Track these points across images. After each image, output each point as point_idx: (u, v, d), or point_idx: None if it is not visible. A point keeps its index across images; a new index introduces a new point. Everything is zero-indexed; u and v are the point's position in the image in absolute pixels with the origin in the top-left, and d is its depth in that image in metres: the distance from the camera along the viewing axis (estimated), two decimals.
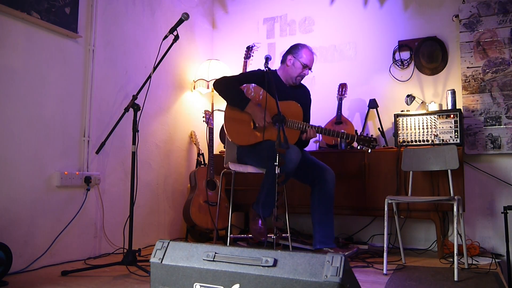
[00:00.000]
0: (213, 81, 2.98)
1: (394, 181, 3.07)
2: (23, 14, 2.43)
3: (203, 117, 3.62)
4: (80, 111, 2.84)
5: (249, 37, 4.17)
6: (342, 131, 2.76)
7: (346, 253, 2.74)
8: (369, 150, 2.74)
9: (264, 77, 2.82)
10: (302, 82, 3.03)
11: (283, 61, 2.93)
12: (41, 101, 2.58)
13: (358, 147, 2.83)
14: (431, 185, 2.98)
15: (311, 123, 2.94)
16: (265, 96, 2.74)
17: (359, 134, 3.44)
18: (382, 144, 3.46)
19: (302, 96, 2.97)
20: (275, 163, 2.22)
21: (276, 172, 2.21)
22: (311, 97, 3.09)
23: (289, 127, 2.74)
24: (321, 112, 3.60)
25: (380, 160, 3.14)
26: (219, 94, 2.83)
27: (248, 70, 3.66)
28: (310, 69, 2.89)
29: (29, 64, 2.52)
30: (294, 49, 2.90)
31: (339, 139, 3.34)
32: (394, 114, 3.21)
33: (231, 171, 2.72)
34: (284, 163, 2.69)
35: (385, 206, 2.49)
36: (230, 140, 2.76)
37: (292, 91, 2.92)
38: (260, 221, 2.57)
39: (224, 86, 2.79)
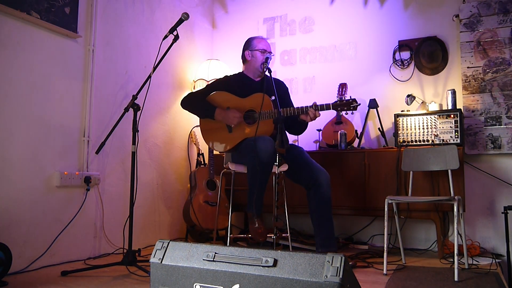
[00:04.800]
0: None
1: (394, 181, 3.06)
2: (23, 14, 2.43)
3: None
4: (80, 111, 2.84)
5: (249, 37, 4.15)
6: (315, 102, 2.61)
7: None
8: (352, 112, 2.62)
9: (229, 81, 2.85)
10: (280, 78, 3.00)
11: (244, 60, 2.93)
12: (41, 101, 2.58)
13: (341, 113, 2.65)
14: (431, 185, 2.98)
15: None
16: (228, 97, 2.75)
17: (357, 132, 3.45)
18: (382, 144, 3.46)
19: (275, 87, 2.91)
20: (275, 163, 2.21)
21: (276, 172, 2.21)
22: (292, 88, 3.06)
23: (262, 119, 2.65)
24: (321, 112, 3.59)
25: (380, 160, 3.14)
26: (188, 111, 2.86)
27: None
28: (270, 52, 2.85)
29: (29, 64, 2.52)
30: (246, 44, 2.93)
31: (339, 139, 3.33)
32: (394, 114, 3.20)
33: (231, 171, 2.72)
34: (283, 163, 2.70)
35: (385, 206, 2.49)
36: (214, 150, 2.75)
37: (263, 85, 2.84)
38: (257, 221, 2.56)
39: (189, 102, 2.84)
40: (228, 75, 2.98)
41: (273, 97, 2.78)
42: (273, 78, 2.97)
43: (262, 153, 2.41)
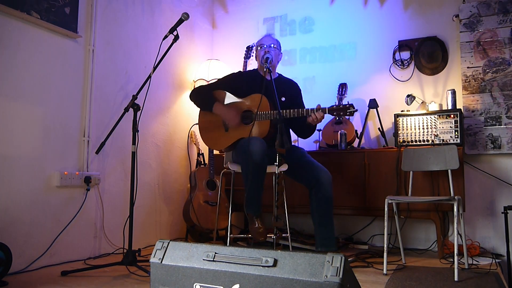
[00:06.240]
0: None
1: (394, 181, 3.06)
2: (23, 14, 2.43)
3: None
4: (80, 111, 2.84)
5: (249, 37, 4.16)
6: (319, 104, 2.62)
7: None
8: (348, 118, 2.62)
9: (241, 77, 2.88)
10: (290, 77, 3.03)
11: (256, 59, 2.98)
12: (41, 101, 2.58)
13: (337, 118, 2.65)
14: (431, 185, 2.98)
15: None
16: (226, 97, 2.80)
17: (357, 132, 3.45)
18: (382, 144, 3.46)
19: (286, 88, 2.91)
20: (275, 163, 2.21)
21: (276, 172, 2.21)
22: (302, 89, 3.07)
23: (258, 120, 2.67)
24: None
25: (380, 160, 3.14)
26: (194, 103, 2.89)
27: (248, 70, 3.66)
28: (267, 46, 2.82)
29: (29, 64, 2.52)
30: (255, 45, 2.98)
31: (339, 139, 3.33)
32: (394, 114, 3.20)
33: (231, 171, 2.72)
34: (283, 162, 2.70)
35: (385, 206, 2.49)
36: (210, 148, 2.78)
37: (273, 84, 2.85)
38: (257, 221, 2.56)
39: (196, 93, 2.88)
40: (242, 70, 3.05)
41: (283, 98, 2.80)
42: (287, 78, 3.02)
43: (254, 154, 2.44)
